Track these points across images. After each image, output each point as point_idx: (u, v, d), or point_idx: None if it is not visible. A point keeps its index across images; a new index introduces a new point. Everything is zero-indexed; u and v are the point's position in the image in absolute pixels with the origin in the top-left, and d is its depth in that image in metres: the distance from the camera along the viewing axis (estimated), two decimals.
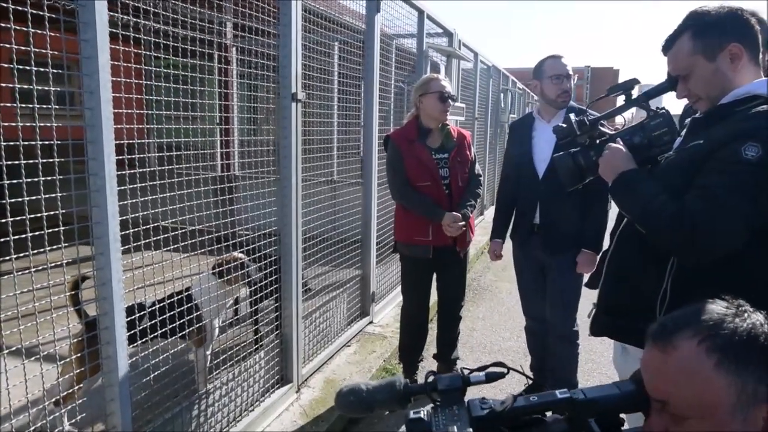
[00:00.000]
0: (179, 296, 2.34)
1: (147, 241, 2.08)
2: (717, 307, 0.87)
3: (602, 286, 1.74)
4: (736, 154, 1.33)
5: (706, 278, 1.42)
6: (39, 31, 1.60)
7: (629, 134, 1.62)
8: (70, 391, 2.02)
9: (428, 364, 3.77)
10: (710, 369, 0.81)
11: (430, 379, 0.96)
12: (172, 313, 2.26)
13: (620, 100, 1.68)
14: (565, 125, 1.72)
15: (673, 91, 1.60)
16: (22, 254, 1.62)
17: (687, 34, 1.52)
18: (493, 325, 4.82)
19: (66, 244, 1.72)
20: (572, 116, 1.77)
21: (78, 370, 1.91)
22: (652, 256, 1.55)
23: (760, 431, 0.80)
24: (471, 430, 0.87)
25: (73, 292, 2.34)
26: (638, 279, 1.60)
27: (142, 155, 2.20)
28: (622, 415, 0.95)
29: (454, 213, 3.11)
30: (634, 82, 1.64)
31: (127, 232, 1.94)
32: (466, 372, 0.96)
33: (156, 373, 2.18)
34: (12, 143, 1.59)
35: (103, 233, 1.80)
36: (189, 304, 2.36)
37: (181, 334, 2.31)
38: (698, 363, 0.82)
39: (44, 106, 1.69)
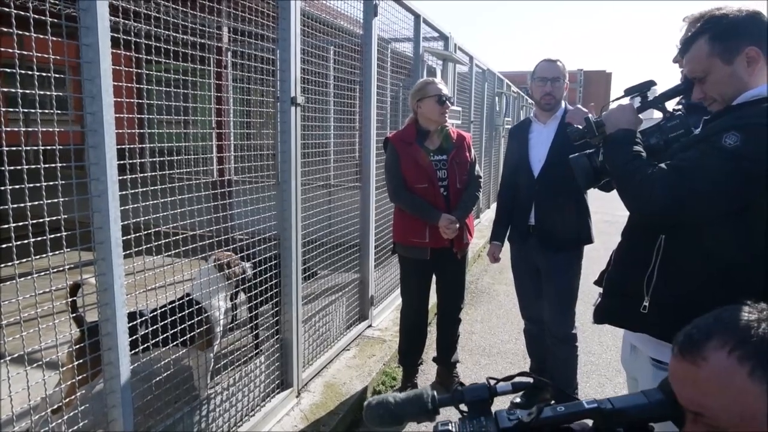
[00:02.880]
0: (181, 303, 2.33)
1: (147, 246, 2.07)
2: (740, 314, 0.85)
3: (606, 274, 1.80)
4: (718, 140, 1.42)
5: (690, 260, 1.52)
6: (41, 36, 1.59)
7: (646, 136, 1.64)
8: (69, 399, 2.01)
9: (428, 367, 3.77)
10: (744, 378, 0.79)
11: (458, 390, 0.97)
12: (175, 319, 2.24)
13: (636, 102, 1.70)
14: (581, 126, 1.73)
15: (689, 93, 1.62)
16: (24, 260, 1.61)
17: (704, 37, 1.53)
18: (492, 328, 4.83)
19: (62, 250, 1.71)
20: (591, 116, 1.79)
21: (79, 377, 1.90)
22: (643, 240, 1.62)
23: None
24: None
25: (71, 299, 2.33)
26: (631, 263, 1.68)
27: (139, 160, 2.19)
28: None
29: (449, 215, 3.12)
30: (651, 84, 1.67)
31: (128, 237, 1.93)
32: (492, 382, 0.97)
33: (157, 378, 2.17)
34: (14, 148, 1.58)
35: (105, 238, 1.79)
36: (192, 308, 2.35)
37: (182, 339, 2.29)
38: (732, 373, 0.80)
39: (46, 111, 1.68)
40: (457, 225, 3.12)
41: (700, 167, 1.43)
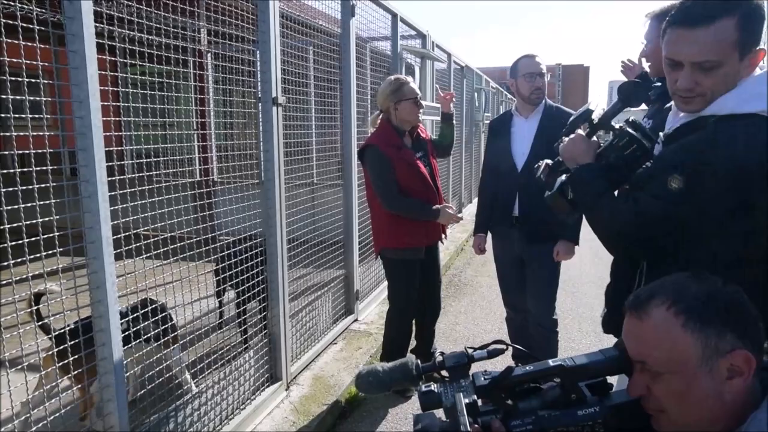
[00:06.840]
0: (143, 306, 2.33)
1: (136, 246, 2.12)
2: (682, 279, 1.01)
3: (606, 287, 1.85)
4: (664, 183, 1.37)
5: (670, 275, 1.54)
6: (29, 44, 1.64)
7: (604, 156, 1.61)
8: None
9: None
10: (678, 329, 0.94)
11: (439, 358, 1.07)
12: (137, 318, 2.24)
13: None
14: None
15: (628, 108, 1.57)
16: (19, 260, 1.66)
17: (733, 19, 1.24)
18: (475, 319, 4.94)
19: (47, 252, 1.76)
20: (548, 160, 1.85)
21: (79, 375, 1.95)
22: (629, 259, 1.64)
23: (724, 380, 0.93)
24: (475, 397, 0.99)
25: (33, 308, 2.14)
26: (621, 279, 1.72)
27: (125, 162, 2.24)
28: (611, 381, 1.07)
29: (447, 205, 3.23)
30: (588, 111, 1.64)
31: (116, 236, 1.98)
32: (470, 351, 1.08)
33: (148, 374, 2.23)
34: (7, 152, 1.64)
35: (96, 237, 1.85)
36: (153, 306, 2.36)
37: (148, 335, 2.33)
38: (668, 325, 0.95)
39: (37, 116, 1.74)
40: (459, 213, 3.21)
41: (654, 210, 1.41)
